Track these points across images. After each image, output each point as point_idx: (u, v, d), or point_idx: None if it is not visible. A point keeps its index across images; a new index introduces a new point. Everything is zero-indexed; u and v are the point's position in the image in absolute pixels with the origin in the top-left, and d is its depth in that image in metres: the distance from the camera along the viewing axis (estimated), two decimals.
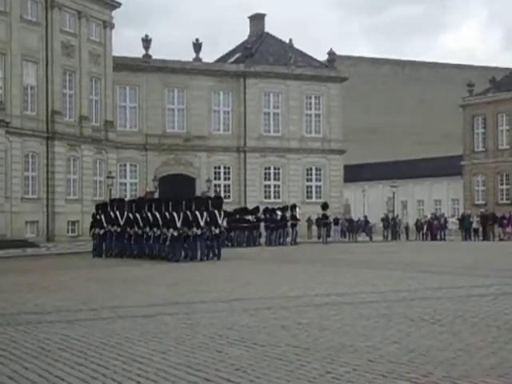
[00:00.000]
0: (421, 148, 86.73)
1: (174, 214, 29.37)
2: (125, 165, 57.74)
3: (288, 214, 45.74)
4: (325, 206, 49.29)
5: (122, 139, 56.39)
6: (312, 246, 45.05)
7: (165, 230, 29.53)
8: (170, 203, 30.26)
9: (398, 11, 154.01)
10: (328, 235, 49.38)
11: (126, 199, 38.77)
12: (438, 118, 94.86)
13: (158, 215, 30.25)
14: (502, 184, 69.39)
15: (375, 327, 11.03)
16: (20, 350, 9.62)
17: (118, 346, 9.76)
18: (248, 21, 69.25)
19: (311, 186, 62.76)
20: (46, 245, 44.24)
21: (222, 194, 58.55)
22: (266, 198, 60.44)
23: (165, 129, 59.18)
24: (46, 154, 50.08)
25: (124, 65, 56.95)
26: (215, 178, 60.04)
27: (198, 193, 58.06)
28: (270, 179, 61.72)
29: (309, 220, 56.15)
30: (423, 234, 55.22)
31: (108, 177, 52.41)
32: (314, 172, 62.93)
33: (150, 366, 8.53)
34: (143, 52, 59.17)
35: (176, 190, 55.43)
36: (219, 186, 59.89)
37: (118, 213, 32.53)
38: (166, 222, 29.53)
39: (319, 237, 50.46)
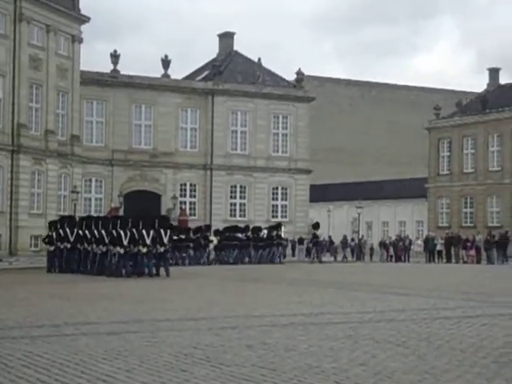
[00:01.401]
0: (387, 169, 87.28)
1: (121, 232, 29.88)
2: (90, 180, 57.42)
3: (273, 233, 46.00)
4: (316, 226, 49.67)
5: (88, 154, 56.09)
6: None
7: (111, 248, 30.03)
8: (118, 221, 31.15)
9: (371, 33, 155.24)
10: (323, 254, 50.10)
11: (78, 216, 39.31)
12: (405, 140, 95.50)
13: (104, 233, 30.79)
14: (466, 207, 69.91)
15: (341, 348, 11.01)
16: None
17: (82, 364, 9.64)
18: (217, 39, 69.35)
19: (277, 205, 62.82)
20: (8, 259, 43.75)
21: (188, 212, 58.53)
22: (231, 216, 60.41)
23: (131, 144, 58.97)
24: (11, 167, 49.66)
25: (92, 79, 56.74)
26: (181, 195, 59.88)
27: (164, 209, 57.95)
28: (235, 197, 61.69)
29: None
30: (388, 256, 55.40)
31: (73, 191, 52.08)
32: (280, 191, 63.02)
33: None
34: (112, 67, 58.98)
35: (141, 206, 55.33)
36: (185, 203, 59.74)
37: (68, 230, 33.09)
38: (113, 240, 30.05)
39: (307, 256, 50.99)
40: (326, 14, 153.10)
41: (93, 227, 31.97)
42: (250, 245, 44.97)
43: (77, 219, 36.28)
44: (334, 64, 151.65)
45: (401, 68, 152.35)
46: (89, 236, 31.86)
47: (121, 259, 29.86)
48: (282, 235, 47.29)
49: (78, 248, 32.31)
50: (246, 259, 44.41)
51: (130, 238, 29.77)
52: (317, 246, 49.88)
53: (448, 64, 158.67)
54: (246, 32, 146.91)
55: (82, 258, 32.15)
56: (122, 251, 29.62)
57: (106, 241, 30.61)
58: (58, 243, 33.13)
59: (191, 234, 43.30)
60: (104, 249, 30.64)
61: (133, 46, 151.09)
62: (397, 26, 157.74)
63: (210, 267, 40.33)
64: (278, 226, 47.64)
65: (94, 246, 31.27)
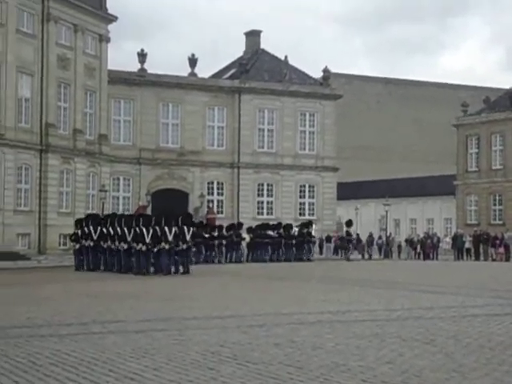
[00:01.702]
0: (414, 167, 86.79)
1: (144, 230, 30.24)
2: (118, 178, 57.65)
3: (304, 231, 46.20)
4: (349, 223, 49.62)
5: (116, 153, 56.33)
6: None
7: (134, 245, 30.43)
8: (141, 219, 31.46)
9: (399, 30, 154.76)
10: (350, 252, 49.88)
11: (104, 214, 40.05)
12: (432, 138, 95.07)
13: (126, 230, 31.19)
14: (494, 204, 69.44)
15: (368, 346, 10.97)
16: (10, 364, 9.53)
17: (109, 362, 9.68)
18: (244, 37, 69.39)
19: (304, 203, 62.74)
20: (37, 258, 44.06)
21: (215, 210, 58.60)
22: (258, 214, 60.43)
23: (159, 143, 59.14)
24: (40, 166, 49.99)
25: (119, 78, 56.95)
26: (208, 194, 59.97)
27: (191, 208, 58.07)
28: (263, 195, 61.68)
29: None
30: (416, 253, 55.17)
31: (101, 190, 52.32)
32: (307, 189, 62.93)
33: (142, 382, 8.46)
34: (139, 66, 59.17)
35: (169, 204, 55.33)
36: (212, 201, 59.83)
37: (92, 228, 33.50)
38: (136, 237, 30.43)
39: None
40: (354, 12, 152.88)
41: (116, 224, 32.28)
42: (282, 242, 45.07)
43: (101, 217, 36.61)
44: (362, 61, 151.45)
45: (429, 66, 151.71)
46: (112, 233, 32.15)
47: (143, 256, 30.24)
48: (313, 233, 47.31)
49: (101, 245, 32.65)
50: (278, 257, 44.51)
51: (152, 236, 30.10)
52: (349, 244, 49.96)
53: (477, 61, 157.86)
54: (272, 30, 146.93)
55: (106, 255, 32.59)
56: (144, 248, 30.02)
57: (129, 238, 30.91)
58: (83, 241, 33.54)
59: (224, 232, 43.50)
60: (126, 246, 31.03)
61: (160, 45, 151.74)
62: (425, 23, 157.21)
63: (241, 265, 40.52)
64: (309, 223, 47.71)
65: (117, 243, 31.59)
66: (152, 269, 30.47)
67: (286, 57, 64.85)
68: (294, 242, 45.56)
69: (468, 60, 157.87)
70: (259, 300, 18.71)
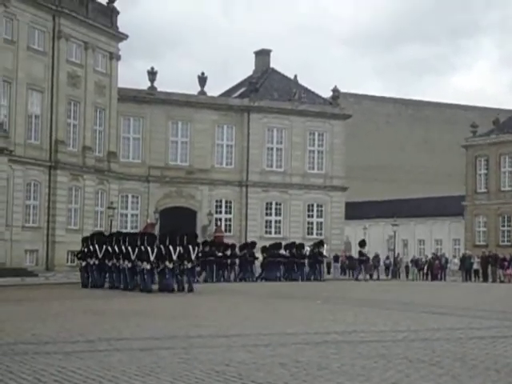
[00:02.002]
0: (423, 187, 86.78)
1: (148, 248, 30.68)
2: (126, 196, 57.73)
3: (316, 250, 46.38)
4: (362, 244, 49.57)
5: (125, 170, 56.44)
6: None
7: (138, 263, 30.84)
8: (146, 237, 32.04)
9: (410, 51, 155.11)
10: (359, 273, 49.72)
11: (110, 232, 40.58)
12: (441, 158, 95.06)
13: (130, 249, 31.61)
14: (503, 226, 69.28)
15: (374, 367, 10.93)
16: (16, 381, 9.52)
17: (114, 380, 9.67)
18: (254, 56, 69.58)
19: (312, 222, 62.69)
20: (44, 274, 44.07)
21: (223, 228, 58.58)
22: (266, 233, 60.39)
23: (167, 161, 59.24)
24: (48, 183, 50.11)
25: (129, 96, 57.16)
26: (216, 212, 59.99)
27: (199, 226, 58.08)
28: (271, 214, 61.67)
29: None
30: (423, 274, 55.01)
31: (109, 207, 52.38)
32: (315, 208, 62.89)
33: None
34: (150, 84, 59.36)
35: (177, 222, 55.37)
36: (220, 219, 59.82)
37: (97, 246, 33.95)
38: (140, 255, 30.84)
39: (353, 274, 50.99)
40: (364, 33, 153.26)
41: (120, 243, 32.70)
42: (295, 262, 45.26)
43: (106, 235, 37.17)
44: (373, 82, 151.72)
45: (440, 86, 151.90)
46: (117, 251, 32.49)
47: (147, 275, 30.56)
48: (324, 253, 47.43)
49: (106, 264, 33.04)
50: (289, 276, 44.68)
51: (156, 254, 30.49)
52: (363, 264, 49.85)
53: (487, 83, 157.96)
54: (282, 50, 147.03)
55: (111, 273, 33.05)
56: (148, 267, 30.38)
57: (133, 257, 31.31)
58: (88, 259, 34.03)
59: (237, 251, 43.90)
60: (130, 264, 31.41)
61: (171, 64, 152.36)
62: (436, 44, 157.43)
63: (252, 283, 40.61)
64: (320, 243, 47.90)
65: (121, 261, 31.93)
66: (156, 287, 30.76)
67: (295, 76, 65.04)
68: (305, 261, 45.71)
69: (479, 81, 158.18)
70: (265, 319, 18.67)
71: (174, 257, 30.36)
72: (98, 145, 54.17)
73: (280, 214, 61.82)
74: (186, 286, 30.85)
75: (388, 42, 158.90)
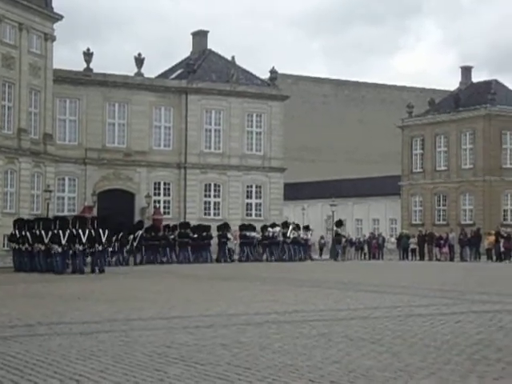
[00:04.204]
0: (360, 167, 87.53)
1: (60, 232, 32.37)
2: (63, 179, 57.04)
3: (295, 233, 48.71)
4: (339, 224, 50.23)
5: (61, 153, 55.75)
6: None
7: (51, 246, 32.43)
8: (58, 222, 33.71)
9: (356, 32, 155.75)
10: (342, 253, 50.71)
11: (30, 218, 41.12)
12: (378, 139, 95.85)
13: (43, 233, 33.18)
14: (438, 205, 70.31)
15: (315, 346, 11.01)
16: None
17: (55, 364, 9.57)
18: (191, 37, 69.17)
19: (251, 204, 62.76)
20: None
21: (162, 210, 58.34)
22: (205, 214, 60.27)
23: (105, 143, 58.66)
24: None
25: (65, 78, 56.39)
26: (155, 194, 59.64)
27: (138, 208, 57.76)
28: (210, 196, 61.56)
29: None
30: (363, 253, 55.56)
31: (46, 191, 51.70)
32: (254, 189, 62.96)
33: None
34: (86, 65, 58.61)
35: (115, 205, 55.10)
36: (159, 201, 59.52)
37: (17, 231, 35.61)
38: (53, 239, 32.46)
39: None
40: (313, 14, 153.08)
41: (35, 227, 34.22)
42: (263, 243, 48.07)
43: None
44: (318, 64, 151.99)
45: (383, 68, 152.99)
46: (30, 236, 34.02)
47: (60, 257, 32.19)
48: (288, 234, 48.59)
49: (20, 248, 34.68)
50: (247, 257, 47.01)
51: (68, 237, 32.12)
52: (339, 245, 50.89)
53: (429, 64, 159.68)
54: (227, 32, 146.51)
55: (27, 256, 34.37)
56: (60, 250, 32.03)
57: (46, 240, 32.86)
58: (10, 243, 36.59)
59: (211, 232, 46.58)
60: (43, 247, 32.93)
61: (115, 45, 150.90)
62: (382, 25, 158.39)
63: (191, 265, 40.83)
64: (285, 224, 50.36)
65: (35, 245, 33.41)
66: (69, 269, 32.43)
67: (233, 57, 64.79)
68: (269, 242, 48.05)
69: (420, 63, 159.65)
70: (206, 300, 18.66)
71: (84, 239, 32.07)
72: (33, 127, 53.36)
73: (219, 196, 61.74)
74: (97, 267, 32.55)
75: (336, 23, 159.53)
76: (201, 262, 44.27)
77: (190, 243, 45.19)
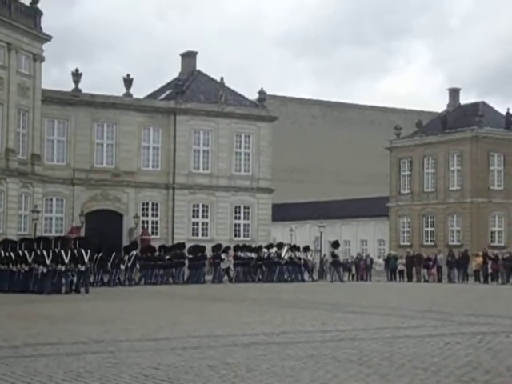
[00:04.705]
0: (348, 189, 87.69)
1: (44, 252, 32.47)
2: (51, 199, 56.92)
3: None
4: (335, 245, 50.26)
5: (49, 173, 55.63)
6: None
7: (35, 266, 32.52)
8: (41, 242, 33.78)
9: (344, 54, 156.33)
10: (337, 273, 50.60)
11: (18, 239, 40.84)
12: (365, 160, 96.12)
13: (27, 253, 33.29)
14: (427, 226, 70.42)
15: (303, 368, 10.97)
16: None
17: None
18: (180, 58, 69.33)
19: (239, 224, 62.75)
20: None
21: (150, 231, 58.24)
22: (193, 235, 60.19)
23: (93, 163, 58.60)
24: None
25: (53, 98, 56.40)
26: (143, 215, 59.54)
27: (126, 229, 57.63)
28: (198, 216, 61.51)
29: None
30: (351, 274, 55.48)
31: (33, 211, 51.58)
32: (242, 210, 62.97)
33: None
34: (74, 85, 58.66)
35: (103, 225, 54.98)
36: (147, 222, 59.42)
37: (1, 251, 35.43)
38: (37, 259, 32.59)
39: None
40: (299, 35, 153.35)
41: (17, 248, 34.36)
42: (257, 264, 47.59)
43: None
44: (307, 85, 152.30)
45: (371, 90, 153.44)
46: (14, 257, 34.09)
47: (44, 277, 32.23)
48: (283, 255, 48.42)
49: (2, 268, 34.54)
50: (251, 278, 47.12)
51: (52, 257, 32.21)
52: (336, 266, 50.64)
53: (417, 86, 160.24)
54: (214, 52, 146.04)
55: (9, 277, 34.29)
56: (45, 270, 32.15)
57: (29, 260, 33.00)
58: None
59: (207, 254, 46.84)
60: (27, 268, 32.98)
61: (105, 66, 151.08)
62: (370, 47, 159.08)
63: (179, 286, 40.71)
64: (279, 245, 50.04)
65: (19, 265, 33.46)
66: (48, 288, 32.22)
67: (221, 78, 64.93)
68: (261, 263, 47.85)
69: (409, 85, 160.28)
70: (193, 321, 18.59)
71: (66, 260, 32.16)
72: (21, 147, 53.22)
73: (207, 217, 61.71)
74: (83, 288, 32.76)
75: (324, 45, 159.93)
76: (195, 282, 44.16)
77: (185, 263, 45.21)
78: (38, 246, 33.22)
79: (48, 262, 32.10)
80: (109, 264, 40.12)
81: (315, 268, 55.89)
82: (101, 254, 39.86)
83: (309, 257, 51.29)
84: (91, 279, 38.06)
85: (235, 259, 47.08)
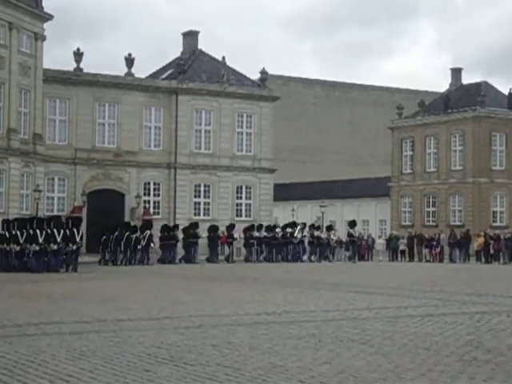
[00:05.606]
0: (350, 169, 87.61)
1: (37, 231, 33.16)
2: (53, 179, 56.90)
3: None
4: (352, 224, 50.31)
5: (51, 153, 55.60)
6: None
7: (28, 246, 33.12)
8: (34, 221, 34.55)
9: (348, 34, 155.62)
10: (355, 254, 50.51)
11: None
12: (368, 140, 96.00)
13: (18, 233, 33.87)
14: (428, 206, 70.43)
15: (305, 347, 11.00)
16: None
17: (44, 364, 9.54)
18: (181, 37, 69.13)
19: (241, 204, 62.76)
20: None
21: (151, 210, 58.28)
22: (195, 215, 60.18)
23: (95, 143, 58.53)
24: None
25: (55, 77, 56.25)
26: (145, 194, 59.54)
27: (127, 208, 57.65)
28: (200, 196, 61.50)
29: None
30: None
31: (35, 190, 51.60)
32: (244, 190, 62.95)
33: None
34: (76, 65, 58.51)
35: (105, 205, 55.07)
36: (149, 201, 59.44)
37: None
38: (29, 238, 33.20)
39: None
40: (304, 15, 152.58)
41: (11, 227, 34.70)
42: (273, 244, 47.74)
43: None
44: (310, 65, 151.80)
45: (377, 70, 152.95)
46: (8, 236, 34.51)
47: (36, 256, 32.92)
48: (296, 234, 48.50)
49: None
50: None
51: (44, 237, 32.90)
52: (353, 246, 50.68)
53: (423, 66, 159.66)
54: (217, 31, 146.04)
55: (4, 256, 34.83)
56: (37, 248, 32.80)
57: (21, 240, 33.41)
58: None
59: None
60: (18, 248, 33.49)
61: (109, 45, 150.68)
62: (376, 27, 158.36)
63: (177, 266, 40.72)
64: (293, 224, 50.32)
65: (11, 244, 33.84)
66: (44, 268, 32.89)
67: (223, 58, 64.71)
68: (275, 242, 47.80)
69: (415, 65, 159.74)
70: (195, 301, 18.64)
71: (59, 239, 32.93)
72: (23, 127, 53.17)
73: (209, 196, 61.71)
74: (70, 266, 33.50)
75: (328, 25, 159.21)
76: (211, 261, 44.60)
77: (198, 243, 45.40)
78: (31, 226, 33.74)
79: (41, 240, 32.71)
80: (122, 243, 40.13)
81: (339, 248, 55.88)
82: (116, 233, 40.17)
83: (332, 236, 51.41)
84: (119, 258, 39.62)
85: (251, 239, 47.06)
